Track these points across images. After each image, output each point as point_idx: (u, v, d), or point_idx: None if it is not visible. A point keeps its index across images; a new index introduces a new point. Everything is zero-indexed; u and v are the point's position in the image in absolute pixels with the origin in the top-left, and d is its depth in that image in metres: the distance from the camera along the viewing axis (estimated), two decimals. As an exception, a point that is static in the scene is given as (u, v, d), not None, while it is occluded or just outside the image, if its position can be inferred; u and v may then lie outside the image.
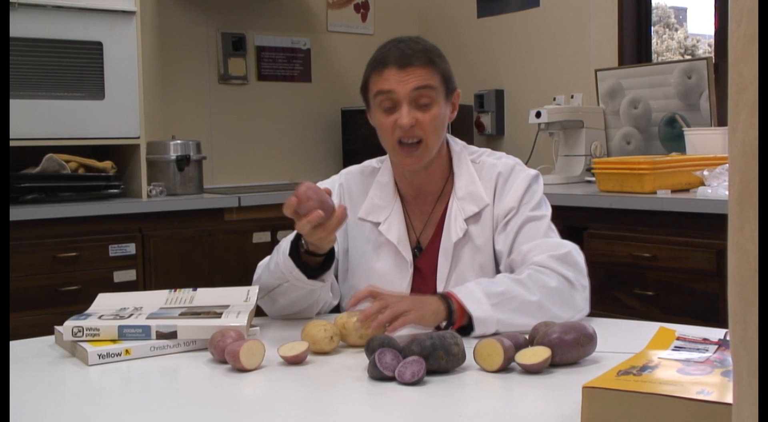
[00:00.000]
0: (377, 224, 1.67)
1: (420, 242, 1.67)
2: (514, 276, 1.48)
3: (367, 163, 1.78)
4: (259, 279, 1.59)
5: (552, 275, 1.46)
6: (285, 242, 1.54)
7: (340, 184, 1.74)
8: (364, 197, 1.71)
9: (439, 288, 1.60)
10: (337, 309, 1.70)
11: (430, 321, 1.38)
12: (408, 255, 1.64)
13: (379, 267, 1.65)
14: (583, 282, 1.50)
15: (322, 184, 1.76)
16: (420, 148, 1.57)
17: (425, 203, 1.68)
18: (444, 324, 1.40)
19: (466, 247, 1.61)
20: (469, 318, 1.40)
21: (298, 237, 1.50)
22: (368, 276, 1.65)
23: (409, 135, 1.56)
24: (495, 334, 1.36)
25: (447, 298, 1.40)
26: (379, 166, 1.74)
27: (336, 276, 1.70)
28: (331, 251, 1.52)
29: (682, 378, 0.95)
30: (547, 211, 1.62)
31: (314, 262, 1.51)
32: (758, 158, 0.49)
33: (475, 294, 1.41)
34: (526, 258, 1.52)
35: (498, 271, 1.61)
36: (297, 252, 1.50)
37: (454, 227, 1.62)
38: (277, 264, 1.52)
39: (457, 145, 1.70)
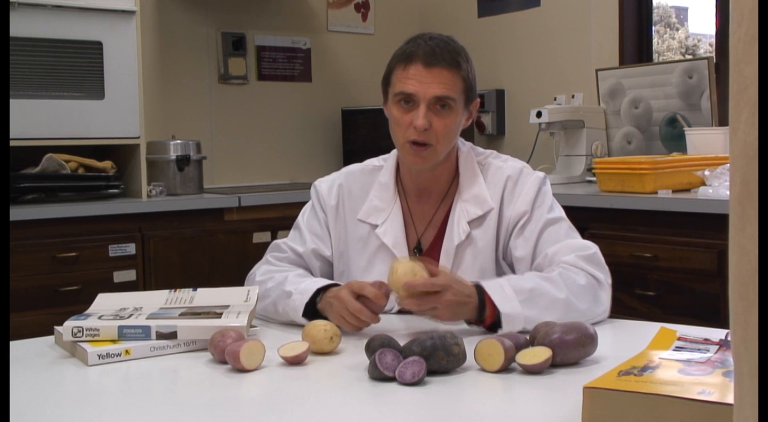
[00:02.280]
0: (375, 226, 1.67)
1: (421, 242, 1.67)
2: (543, 273, 1.49)
3: (368, 161, 1.77)
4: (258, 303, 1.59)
5: (581, 273, 1.48)
6: (296, 294, 1.53)
7: (340, 184, 1.73)
8: (365, 197, 1.70)
9: None
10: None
11: (464, 318, 1.42)
12: None
13: (374, 271, 1.64)
14: (609, 281, 1.53)
15: (322, 182, 1.76)
16: (428, 151, 1.57)
17: (428, 203, 1.68)
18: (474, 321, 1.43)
19: (468, 250, 1.61)
20: (498, 315, 1.40)
21: (314, 295, 1.52)
22: (362, 279, 1.64)
23: (420, 137, 1.56)
24: (498, 333, 1.36)
25: (481, 296, 1.41)
26: (381, 165, 1.73)
27: (332, 278, 1.70)
28: None
29: (683, 379, 0.95)
30: (561, 212, 1.63)
31: None
32: (759, 158, 0.49)
33: (504, 290, 1.42)
34: (553, 260, 1.53)
35: (500, 275, 1.61)
36: (312, 309, 1.51)
37: (456, 229, 1.61)
38: (285, 312, 1.54)
39: (464, 146, 1.69)
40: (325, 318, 1.47)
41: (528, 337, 1.28)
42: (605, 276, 1.52)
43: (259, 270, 1.68)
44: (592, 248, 1.54)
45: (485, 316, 1.41)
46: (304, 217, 1.74)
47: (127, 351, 1.32)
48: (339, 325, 1.40)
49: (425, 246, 1.66)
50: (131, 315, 1.40)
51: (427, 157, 1.58)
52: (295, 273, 1.63)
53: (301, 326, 1.41)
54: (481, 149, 1.72)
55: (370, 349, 1.22)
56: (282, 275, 1.61)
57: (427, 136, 1.56)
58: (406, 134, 1.57)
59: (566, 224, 1.60)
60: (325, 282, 1.57)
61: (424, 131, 1.55)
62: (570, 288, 1.45)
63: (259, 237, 3.20)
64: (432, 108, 1.55)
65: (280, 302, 1.55)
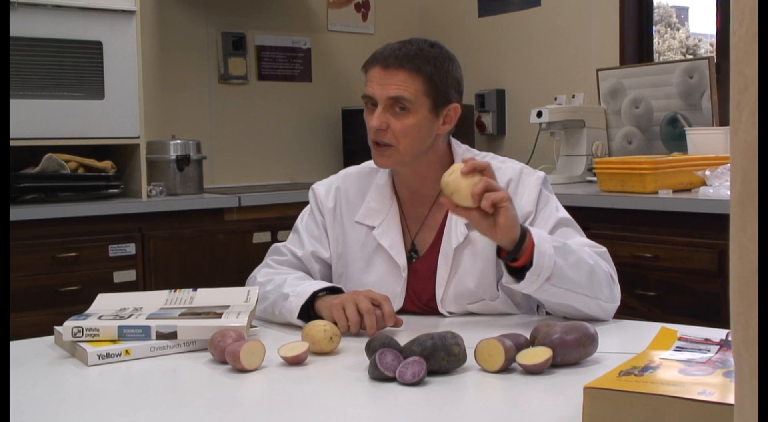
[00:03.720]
0: (372, 228, 1.66)
1: (415, 244, 1.66)
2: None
3: (365, 164, 1.76)
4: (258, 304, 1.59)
5: (602, 262, 1.51)
6: (292, 296, 1.53)
7: (337, 187, 1.73)
8: (362, 200, 1.70)
9: (439, 294, 1.60)
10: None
11: (510, 233, 1.36)
12: (401, 260, 1.63)
13: (372, 272, 1.64)
14: (617, 279, 1.55)
15: (320, 185, 1.76)
16: (389, 151, 1.58)
17: (421, 205, 1.67)
18: (512, 248, 1.38)
19: (466, 252, 1.60)
20: (530, 253, 1.38)
21: (311, 299, 1.53)
22: (361, 280, 1.64)
23: (377, 137, 1.57)
24: (496, 335, 1.36)
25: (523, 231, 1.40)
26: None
27: (332, 281, 1.70)
28: None
29: (683, 379, 0.95)
30: (567, 213, 1.63)
31: None
32: (759, 158, 0.48)
33: (541, 233, 1.44)
34: None
35: (500, 276, 1.61)
36: (308, 312, 1.52)
37: (454, 232, 1.61)
38: (282, 314, 1.54)
39: (460, 148, 1.69)
40: (321, 319, 1.47)
41: (528, 337, 1.28)
42: (614, 274, 1.54)
43: (260, 273, 1.68)
44: (603, 247, 1.57)
45: (523, 249, 1.38)
46: (302, 221, 1.74)
47: (127, 352, 1.32)
48: (333, 320, 1.41)
49: (420, 248, 1.66)
50: (131, 315, 1.40)
51: (389, 157, 1.59)
52: (294, 275, 1.63)
53: (301, 327, 1.41)
54: (477, 151, 1.71)
55: (371, 349, 1.22)
56: (281, 277, 1.61)
57: (385, 136, 1.56)
58: (369, 135, 1.59)
59: (574, 225, 1.62)
60: (323, 284, 1.57)
61: (381, 131, 1.56)
62: (596, 261, 1.48)
63: (259, 237, 3.20)
64: (390, 109, 1.56)
65: (278, 304, 1.55)
